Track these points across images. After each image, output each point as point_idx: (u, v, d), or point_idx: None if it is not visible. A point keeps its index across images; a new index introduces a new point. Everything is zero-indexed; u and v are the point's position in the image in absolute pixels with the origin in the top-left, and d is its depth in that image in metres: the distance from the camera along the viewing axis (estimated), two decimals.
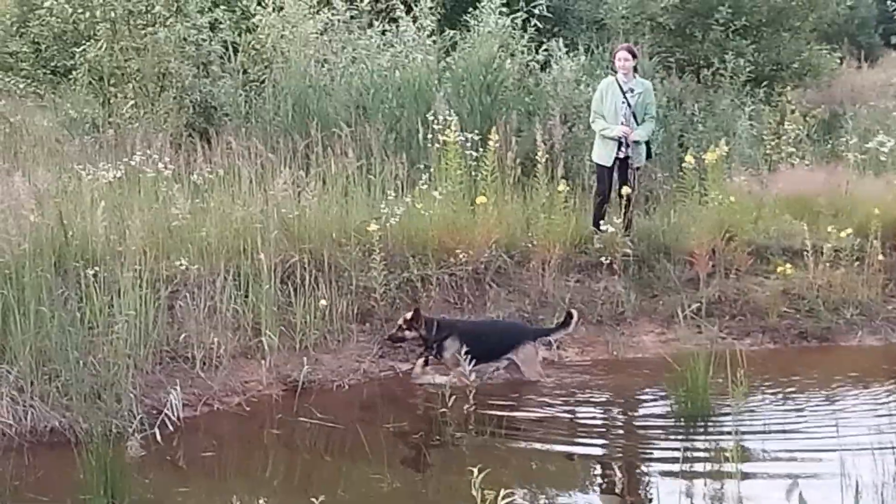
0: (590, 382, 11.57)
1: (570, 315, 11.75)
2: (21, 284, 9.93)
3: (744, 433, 9.45)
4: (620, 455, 9.82)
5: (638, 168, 13.51)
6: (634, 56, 13.49)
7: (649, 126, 13.48)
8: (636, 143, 13.27)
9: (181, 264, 11.34)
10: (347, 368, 11.49)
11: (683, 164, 13.89)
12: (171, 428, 9.84)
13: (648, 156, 13.77)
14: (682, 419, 10.16)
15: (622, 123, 13.20)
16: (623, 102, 13.23)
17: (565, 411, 10.71)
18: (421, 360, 11.48)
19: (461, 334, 11.30)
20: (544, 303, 12.65)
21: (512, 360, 11.52)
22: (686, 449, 9.57)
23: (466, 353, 10.71)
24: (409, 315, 11.39)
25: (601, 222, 13.23)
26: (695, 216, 13.72)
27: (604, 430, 10.48)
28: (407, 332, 11.41)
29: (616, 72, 13.47)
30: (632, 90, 13.28)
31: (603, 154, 13.43)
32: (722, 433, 9.73)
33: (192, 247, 11.66)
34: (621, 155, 13.29)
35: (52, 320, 9.92)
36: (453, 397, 9.95)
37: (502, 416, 10.22)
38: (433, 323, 11.40)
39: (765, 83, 20.37)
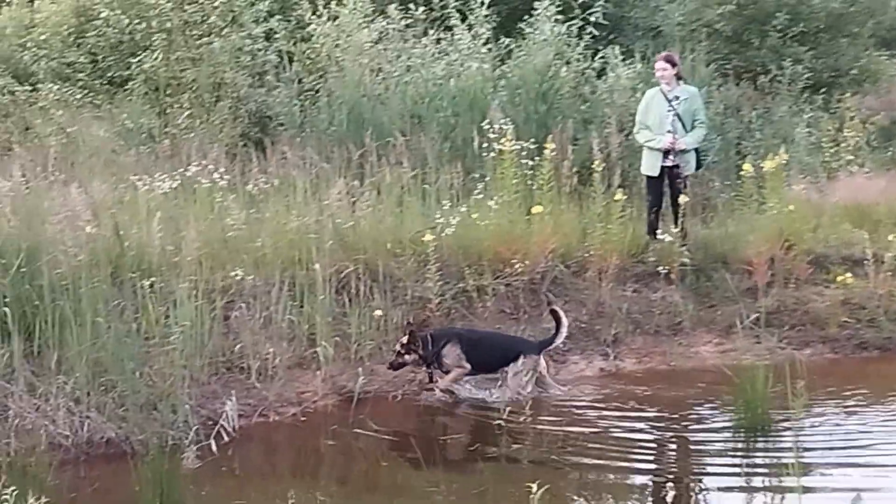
0: (647, 394, 11.40)
1: (554, 311, 11.50)
2: (78, 295, 9.96)
3: (805, 447, 9.30)
4: (679, 470, 9.70)
5: (688, 176, 13.34)
6: (673, 64, 13.28)
7: (698, 133, 13.27)
8: (684, 151, 13.13)
9: (236, 275, 11.34)
10: (402, 379, 11.41)
11: (741, 173, 13.71)
12: (226, 439, 9.79)
13: (700, 164, 13.60)
14: (742, 432, 10.00)
15: (669, 132, 13.07)
16: (669, 111, 13.10)
17: (622, 423, 10.56)
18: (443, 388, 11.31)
19: (460, 339, 11.22)
20: (601, 313, 12.55)
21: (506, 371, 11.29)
22: (746, 463, 9.49)
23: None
24: (405, 339, 11.16)
25: (657, 231, 13.14)
26: (753, 225, 13.56)
27: (662, 443, 10.32)
28: (407, 357, 11.19)
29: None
30: (677, 98, 13.14)
31: (649, 164, 13.32)
32: (782, 447, 9.58)
33: (247, 257, 11.67)
34: (669, 163, 13.15)
35: (109, 331, 9.94)
36: (508, 408, 9.87)
37: (558, 428, 10.12)
38: (427, 338, 11.21)
39: (823, 90, 20.18)
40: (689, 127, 13.15)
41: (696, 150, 13.36)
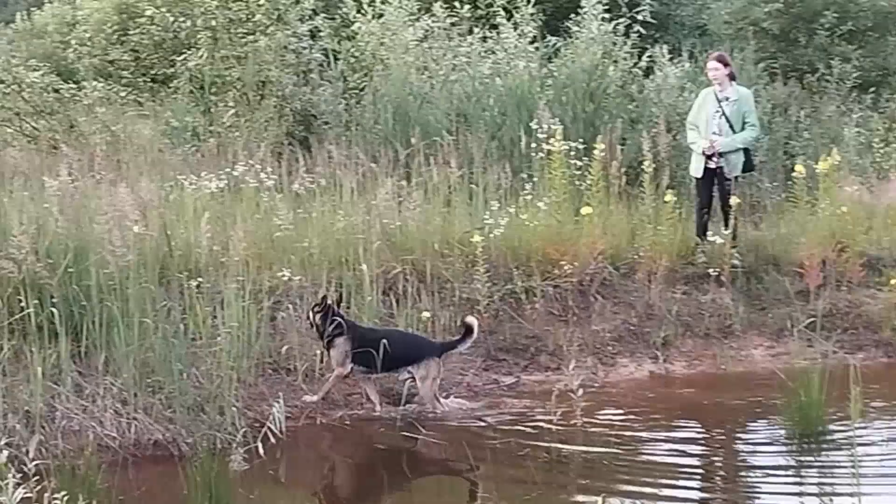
0: (698, 398, 11.30)
1: (468, 327, 10.91)
2: (125, 296, 9.89)
3: (862, 455, 9.12)
4: (730, 478, 9.52)
5: (737, 178, 13.12)
6: (725, 64, 13.07)
7: (744, 135, 12.98)
8: (727, 153, 12.92)
9: (283, 275, 11.28)
10: (450, 382, 11.29)
11: (793, 174, 13.52)
12: (273, 441, 9.71)
13: (751, 167, 13.40)
14: (795, 438, 9.83)
15: (714, 133, 12.89)
16: (717, 112, 12.91)
17: (672, 429, 10.46)
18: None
19: (355, 337, 10.68)
20: (650, 315, 12.42)
21: (413, 374, 10.76)
22: (799, 470, 9.36)
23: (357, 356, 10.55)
24: (318, 304, 10.77)
25: (707, 233, 12.99)
26: (804, 226, 13.37)
27: (712, 450, 10.19)
28: (308, 318, 10.86)
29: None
30: (727, 98, 12.95)
31: (694, 166, 13.17)
32: (838, 454, 9.43)
33: (294, 257, 11.61)
34: (712, 165, 12.97)
35: (156, 332, 9.87)
36: (560, 412, 9.74)
37: (610, 433, 9.99)
38: (333, 319, 10.66)
39: (872, 89, 19.90)
40: (738, 129, 12.93)
41: (747, 151, 13.14)
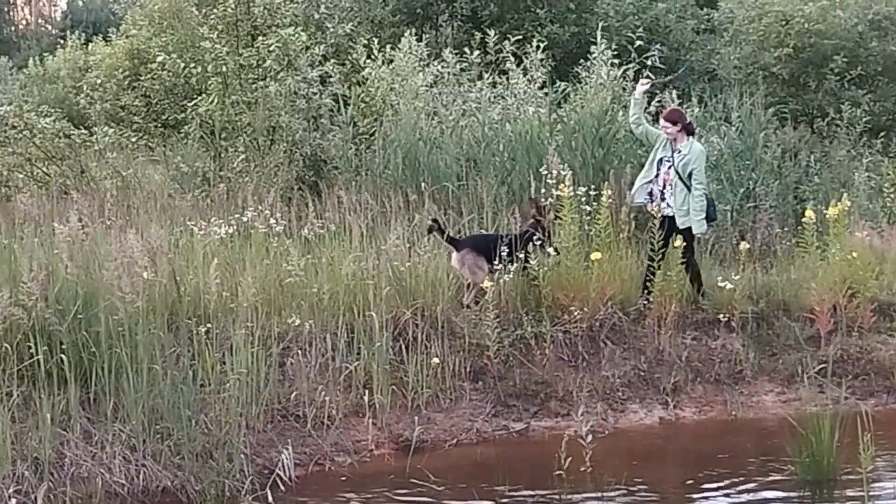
0: (707, 445, 11.26)
1: None
2: (134, 342, 9.92)
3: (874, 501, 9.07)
4: None
5: (689, 229, 12.83)
6: (674, 122, 12.81)
7: (693, 204, 12.69)
8: (679, 207, 12.80)
9: (293, 321, 11.27)
10: (460, 428, 11.31)
11: (803, 219, 13.47)
12: (282, 488, 9.71)
13: (713, 218, 13.17)
14: (806, 485, 9.80)
15: (659, 180, 12.91)
16: (668, 161, 12.84)
17: (681, 476, 10.40)
18: None
19: None
20: (660, 361, 12.37)
21: None
22: None
23: None
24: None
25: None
26: (815, 272, 13.30)
27: (723, 498, 10.10)
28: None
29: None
30: (679, 151, 12.78)
31: (635, 194, 13.19)
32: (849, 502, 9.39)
33: (303, 303, 11.61)
34: (641, 201, 13.11)
35: (165, 378, 9.89)
36: (569, 458, 9.67)
37: (620, 481, 9.93)
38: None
39: (882, 134, 19.93)
40: (686, 180, 12.77)
41: (709, 204, 12.98)
